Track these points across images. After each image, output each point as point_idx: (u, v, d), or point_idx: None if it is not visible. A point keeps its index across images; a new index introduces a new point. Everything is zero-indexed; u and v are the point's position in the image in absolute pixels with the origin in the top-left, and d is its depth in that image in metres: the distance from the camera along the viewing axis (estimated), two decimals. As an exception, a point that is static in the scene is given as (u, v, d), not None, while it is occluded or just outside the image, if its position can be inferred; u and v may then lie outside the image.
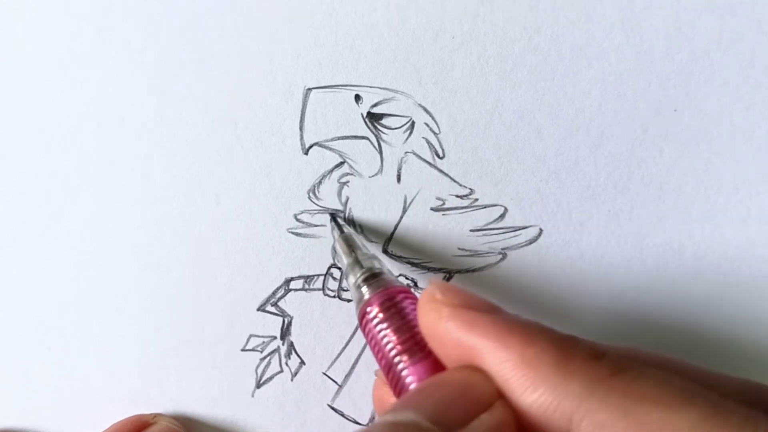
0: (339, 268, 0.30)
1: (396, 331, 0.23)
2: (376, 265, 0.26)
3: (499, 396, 0.20)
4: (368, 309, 0.24)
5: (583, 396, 0.18)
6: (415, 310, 0.24)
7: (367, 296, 0.25)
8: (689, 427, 0.17)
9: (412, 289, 0.30)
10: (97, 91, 0.31)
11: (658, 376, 0.19)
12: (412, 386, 0.22)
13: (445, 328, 0.21)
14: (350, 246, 0.28)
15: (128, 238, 0.31)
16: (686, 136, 0.29)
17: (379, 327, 0.24)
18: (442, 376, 0.21)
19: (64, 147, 0.31)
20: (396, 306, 0.24)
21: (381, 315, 0.24)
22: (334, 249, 0.29)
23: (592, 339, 0.29)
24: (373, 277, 0.26)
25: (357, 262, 0.27)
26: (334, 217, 0.30)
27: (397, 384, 0.22)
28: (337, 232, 0.29)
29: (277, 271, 0.30)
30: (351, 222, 0.30)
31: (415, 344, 0.23)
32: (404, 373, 0.22)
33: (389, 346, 0.23)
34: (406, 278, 0.30)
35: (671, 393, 0.18)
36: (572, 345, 0.20)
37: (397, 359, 0.23)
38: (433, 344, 0.22)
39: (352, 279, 0.26)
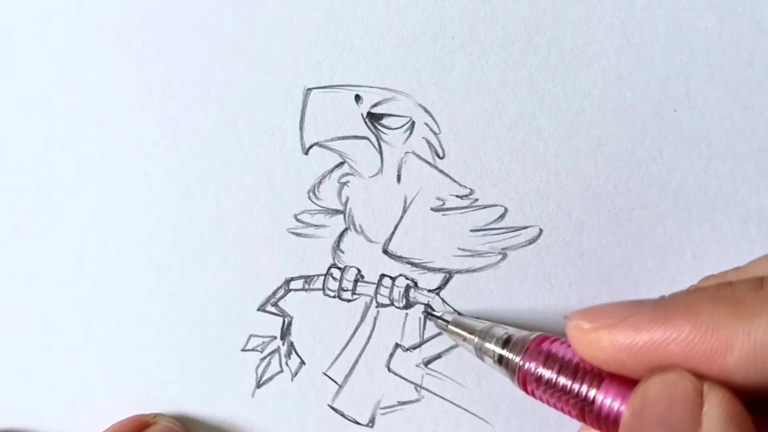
0: (339, 268, 0.30)
1: (569, 374, 0.23)
2: (499, 329, 0.27)
3: (702, 380, 0.19)
4: (530, 369, 0.24)
5: None
6: (563, 344, 0.24)
7: (519, 360, 0.25)
8: None
9: (412, 290, 0.30)
10: (97, 92, 0.31)
11: None
12: (623, 408, 0.21)
13: (618, 347, 0.21)
14: (466, 327, 0.28)
15: (128, 238, 0.31)
16: (686, 136, 0.29)
17: (550, 378, 0.23)
18: (641, 396, 0.20)
19: (65, 147, 0.31)
20: (551, 354, 0.24)
21: (546, 369, 0.23)
22: (446, 332, 0.29)
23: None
24: (507, 342, 0.26)
25: (483, 337, 0.27)
26: (429, 313, 0.30)
27: (605, 418, 0.22)
28: (443, 323, 0.29)
29: (277, 271, 0.30)
30: (351, 222, 0.30)
31: (594, 376, 0.22)
32: (606, 403, 0.22)
33: (575, 388, 0.22)
34: (407, 278, 0.30)
35: None
36: (729, 291, 0.20)
37: (591, 395, 0.22)
38: (612, 367, 0.22)
39: (489, 357, 0.26)
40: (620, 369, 0.21)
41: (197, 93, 0.30)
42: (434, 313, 0.29)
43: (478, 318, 0.29)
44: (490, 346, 0.26)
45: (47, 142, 0.31)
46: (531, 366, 0.24)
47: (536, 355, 0.24)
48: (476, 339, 0.27)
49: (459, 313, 0.30)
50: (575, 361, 0.23)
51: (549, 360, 0.24)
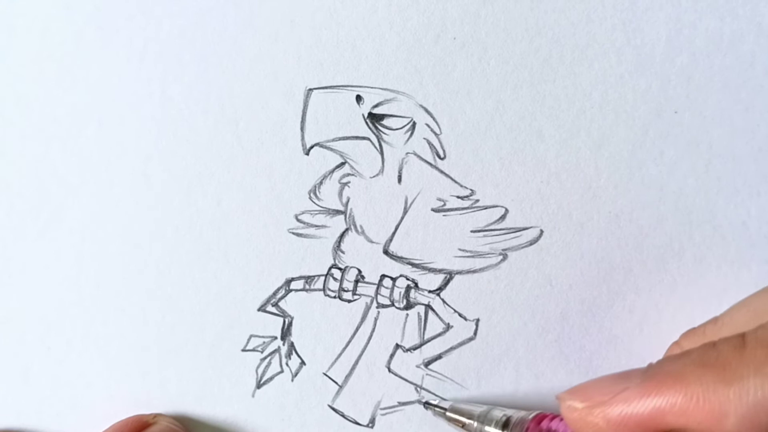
0: (339, 269, 0.30)
1: None
2: (497, 412, 0.27)
3: None
4: None
5: (764, 385, 0.18)
6: (561, 421, 0.24)
7: None
8: None
9: (413, 291, 0.30)
10: (98, 92, 0.31)
11: None
12: None
13: (613, 423, 0.21)
14: (464, 413, 0.28)
15: (129, 238, 0.31)
16: (687, 137, 0.29)
17: None
18: None
19: (65, 147, 0.31)
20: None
21: None
22: (444, 420, 0.29)
23: (593, 341, 0.29)
24: (507, 425, 0.26)
25: (483, 421, 0.27)
26: (427, 402, 0.30)
27: None
28: (441, 411, 0.29)
29: (277, 271, 0.30)
30: (352, 223, 0.30)
31: None
32: None
33: None
34: (407, 279, 0.30)
35: None
36: (714, 355, 0.20)
37: None
38: None
39: None
40: None
41: (198, 93, 0.30)
42: (431, 402, 0.30)
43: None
44: (490, 429, 0.27)
45: (47, 142, 0.31)
46: None
47: None
48: (475, 424, 0.27)
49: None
50: None
51: None
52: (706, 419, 0.19)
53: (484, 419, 0.27)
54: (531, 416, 0.25)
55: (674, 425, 0.20)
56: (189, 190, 0.31)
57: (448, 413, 0.29)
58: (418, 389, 0.30)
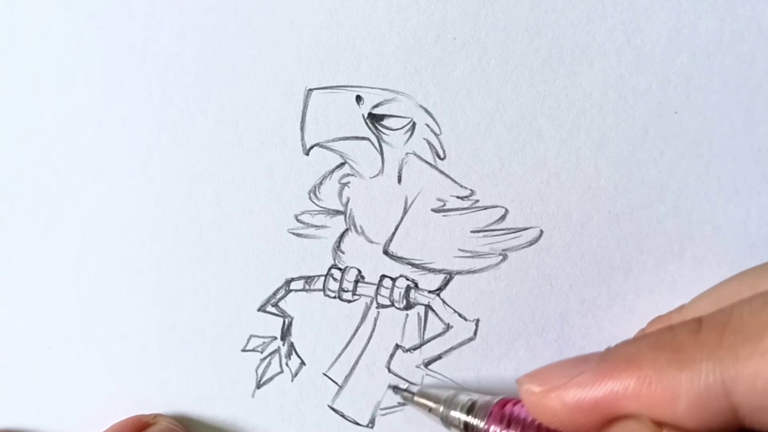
0: (339, 269, 0.30)
1: None
2: (463, 396, 0.27)
3: (660, 425, 0.20)
4: None
5: (716, 369, 0.18)
6: (524, 407, 0.24)
7: (483, 425, 0.25)
8: None
9: (413, 291, 0.30)
10: (98, 92, 0.31)
11: (753, 306, 0.19)
12: None
13: (569, 407, 0.21)
14: (431, 397, 0.28)
15: (129, 238, 0.31)
16: (687, 137, 0.29)
17: None
18: None
19: (65, 147, 0.31)
20: (513, 417, 0.24)
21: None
22: (413, 404, 0.29)
23: (593, 341, 0.29)
24: (472, 408, 0.26)
25: (449, 406, 0.27)
26: (396, 387, 0.30)
27: None
28: (409, 395, 0.29)
29: (277, 271, 0.30)
30: (352, 223, 0.30)
31: None
32: None
33: None
34: (407, 279, 0.30)
35: None
36: (669, 337, 0.20)
37: None
38: (569, 427, 0.22)
39: (455, 426, 0.27)
40: (577, 428, 0.22)
41: (198, 93, 0.30)
42: (400, 386, 0.30)
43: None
44: (455, 414, 0.27)
45: (47, 142, 0.31)
46: (495, 430, 0.25)
47: (499, 419, 0.25)
48: (441, 408, 0.27)
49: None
50: (537, 422, 0.23)
51: (512, 423, 0.24)
52: (659, 403, 0.19)
53: (450, 403, 0.27)
54: (495, 401, 0.26)
55: (628, 409, 0.20)
56: (189, 190, 0.31)
57: (415, 398, 0.29)
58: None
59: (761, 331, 0.18)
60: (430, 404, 0.28)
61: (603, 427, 0.21)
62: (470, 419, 0.26)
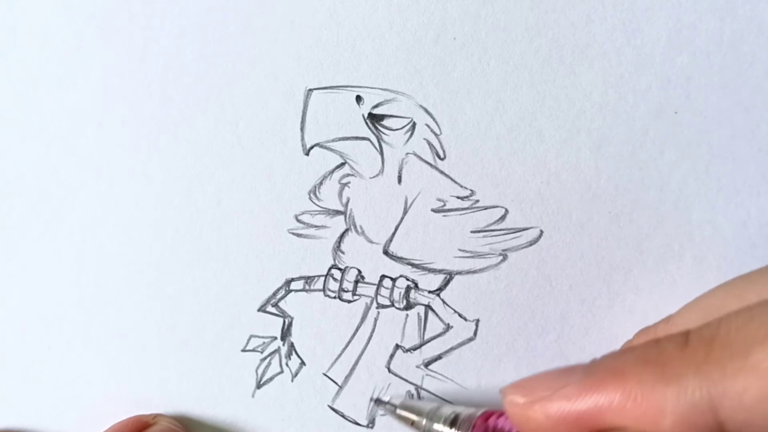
0: (339, 269, 0.30)
1: None
2: (446, 409, 0.27)
3: None
4: None
5: (702, 385, 0.18)
6: (507, 419, 0.24)
7: None
8: None
9: (413, 291, 0.30)
10: (98, 92, 0.31)
11: (740, 320, 0.19)
12: None
13: (553, 419, 0.21)
14: (414, 410, 0.28)
15: (129, 239, 0.31)
16: (687, 138, 0.29)
17: None
18: None
19: (65, 147, 0.31)
20: (496, 430, 0.24)
21: None
22: (396, 417, 0.29)
23: (593, 341, 0.29)
24: (455, 422, 0.26)
25: (432, 418, 0.27)
26: (378, 399, 0.30)
27: None
28: (391, 408, 0.29)
29: (277, 271, 0.30)
30: (352, 223, 0.30)
31: None
32: None
33: None
34: (407, 279, 0.30)
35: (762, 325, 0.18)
36: (656, 351, 0.20)
37: None
38: None
39: None
40: None
41: (198, 93, 0.30)
42: (383, 399, 0.30)
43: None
44: (438, 426, 0.26)
45: (47, 142, 0.31)
46: None
47: (483, 431, 0.24)
48: (424, 421, 0.27)
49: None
50: None
51: None
52: (644, 418, 0.19)
53: (433, 416, 0.27)
54: (479, 413, 0.25)
55: (613, 423, 0.20)
56: (189, 190, 0.31)
57: (398, 410, 0.28)
58: (418, 390, 0.30)
59: (748, 347, 0.18)
60: (413, 417, 0.28)
61: None
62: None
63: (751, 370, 0.18)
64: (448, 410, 0.27)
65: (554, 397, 0.21)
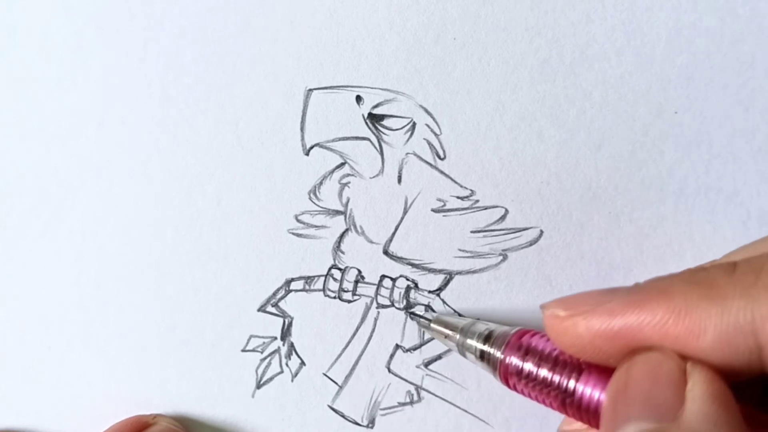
0: (339, 269, 0.30)
1: (549, 366, 0.23)
2: (480, 326, 0.27)
3: (684, 359, 0.19)
4: (510, 363, 0.24)
5: (747, 306, 0.18)
6: (542, 337, 0.24)
7: (499, 355, 0.25)
8: None
9: (413, 291, 0.30)
10: (99, 92, 0.31)
11: None
12: (602, 398, 0.21)
13: (594, 332, 0.21)
14: (448, 324, 0.28)
15: (129, 239, 0.31)
16: (687, 138, 0.29)
17: (530, 371, 0.23)
18: (625, 375, 0.20)
19: (66, 147, 0.31)
20: (531, 347, 0.24)
21: (526, 362, 0.24)
22: (430, 331, 0.29)
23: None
24: (489, 338, 0.26)
25: (465, 334, 0.27)
26: (413, 313, 0.30)
27: (585, 408, 0.22)
28: (426, 322, 0.29)
29: (277, 271, 0.30)
30: (352, 223, 0.30)
31: (573, 367, 0.22)
32: (586, 393, 0.22)
33: (555, 380, 0.23)
34: (407, 279, 0.30)
35: None
36: (703, 275, 0.20)
37: (571, 386, 0.22)
38: (590, 355, 0.22)
39: (471, 353, 0.26)
40: (597, 355, 0.21)
41: (198, 93, 0.30)
42: (416, 312, 0.30)
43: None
44: (472, 342, 0.26)
45: (47, 142, 0.31)
46: (511, 360, 0.24)
47: (516, 349, 0.24)
48: (458, 336, 0.27)
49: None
50: (555, 353, 0.23)
51: (529, 353, 0.24)
52: (684, 334, 0.19)
53: (467, 332, 0.27)
54: (513, 331, 0.25)
55: (652, 340, 0.20)
56: (189, 190, 0.31)
57: (432, 324, 0.29)
58: (418, 389, 0.30)
59: None
60: (447, 331, 0.28)
61: (623, 357, 0.21)
62: (487, 348, 0.25)
63: None
64: (482, 326, 0.27)
65: (597, 311, 0.21)
